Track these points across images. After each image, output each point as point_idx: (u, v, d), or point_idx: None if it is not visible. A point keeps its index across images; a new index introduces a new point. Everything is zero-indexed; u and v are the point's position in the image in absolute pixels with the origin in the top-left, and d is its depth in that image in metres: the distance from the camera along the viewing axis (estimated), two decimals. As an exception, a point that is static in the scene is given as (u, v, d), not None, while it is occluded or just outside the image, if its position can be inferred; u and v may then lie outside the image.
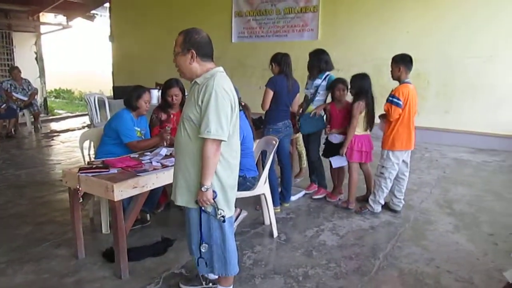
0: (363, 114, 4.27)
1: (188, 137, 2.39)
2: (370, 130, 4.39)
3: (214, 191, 2.39)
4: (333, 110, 4.52)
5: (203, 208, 2.42)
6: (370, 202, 4.31)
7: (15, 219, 4.21)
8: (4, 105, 8.48)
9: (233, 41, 9.41)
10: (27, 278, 3.10)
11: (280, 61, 4.27)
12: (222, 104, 2.27)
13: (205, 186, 2.33)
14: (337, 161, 4.45)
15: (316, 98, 4.61)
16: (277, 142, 3.76)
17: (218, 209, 2.42)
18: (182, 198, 2.48)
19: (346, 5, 8.22)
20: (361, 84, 4.24)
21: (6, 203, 4.68)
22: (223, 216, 2.44)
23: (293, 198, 4.65)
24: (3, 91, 8.65)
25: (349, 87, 4.38)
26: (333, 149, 4.46)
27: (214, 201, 2.39)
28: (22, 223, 4.09)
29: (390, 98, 4.03)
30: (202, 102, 2.29)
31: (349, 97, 4.47)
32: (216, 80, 2.31)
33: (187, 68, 2.41)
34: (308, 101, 4.67)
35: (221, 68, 2.45)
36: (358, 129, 4.29)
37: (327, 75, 4.60)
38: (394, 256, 3.44)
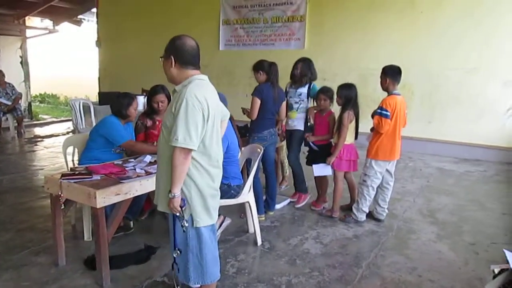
0: (352, 123, 4.30)
1: (166, 144, 2.37)
2: (356, 139, 4.43)
3: (183, 199, 2.37)
4: (317, 118, 4.56)
5: (176, 215, 2.42)
6: (354, 210, 4.34)
7: (-5, 225, 4.13)
8: (-13, 109, 8.36)
9: (220, 48, 9.42)
10: (6, 286, 3.04)
11: (269, 69, 4.29)
12: (192, 113, 2.25)
13: (172, 193, 2.32)
14: (320, 170, 4.46)
15: (301, 105, 4.65)
16: (262, 150, 3.77)
17: (182, 219, 2.41)
18: (161, 204, 2.48)
19: (332, 15, 8.31)
20: (348, 94, 4.27)
21: (-14, 209, 4.60)
22: (185, 226, 2.43)
23: (277, 206, 4.66)
24: (-14, 95, 8.53)
25: (335, 96, 4.42)
26: (316, 157, 4.48)
27: (182, 209, 2.37)
28: (2, 230, 4.02)
29: (379, 111, 4.05)
30: (175, 109, 2.30)
31: (334, 107, 4.51)
32: (189, 88, 2.30)
33: (168, 73, 2.45)
34: (290, 107, 4.70)
35: (201, 76, 2.44)
36: (348, 138, 4.32)
37: (310, 83, 4.66)
38: (377, 265, 3.46)
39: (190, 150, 2.28)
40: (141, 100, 6.47)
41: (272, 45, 8.82)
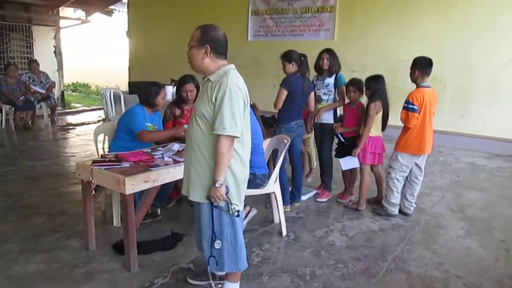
0: (379, 115, 4.24)
1: (202, 133, 2.41)
2: (383, 131, 4.36)
3: (226, 187, 2.40)
4: (346, 110, 4.51)
5: (214, 204, 2.44)
6: (384, 203, 4.29)
7: (29, 209, 4.28)
8: (23, 97, 8.63)
9: (249, 39, 9.42)
10: (38, 268, 3.16)
11: (300, 61, 4.25)
12: (236, 101, 2.31)
13: (219, 182, 2.35)
14: (348, 163, 4.42)
15: (330, 97, 4.61)
16: (289, 141, 3.77)
17: (231, 204, 2.44)
18: (194, 194, 2.50)
19: (363, 6, 8.16)
20: (375, 85, 4.21)
21: (21, 193, 4.76)
22: (237, 211, 2.47)
23: (303, 197, 4.65)
24: (22, 84, 8.80)
25: (363, 88, 4.36)
26: (345, 150, 4.45)
27: (227, 196, 2.41)
28: (35, 214, 4.16)
29: (405, 105, 3.99)
30: (216, 99, 2.32)
31: (364, 99, 4.45)
32: (230, 78, 2.34)
33: (198, 62, 2.44)
34: (319, 100, 4.66)
35: (233, 66, 2.47)
36: (373, 130, 4.26)
37: (337, 73, 4.61)
38: (403, 259, 3.42)
39: (234, 137, 2.32)
40: (170, 90, 6.56)
41: (301, 36, 8.75)
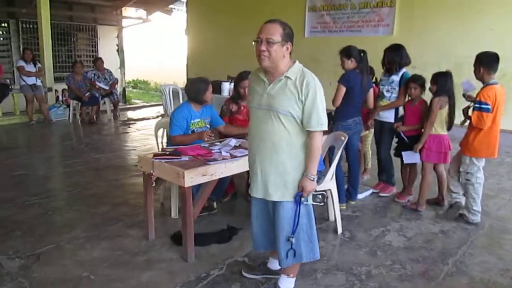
0: (444, 111, 4.06)
1: (287, 132, 2.40)
2: (449, 130, 4.18)
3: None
4: (408, 107, 4.37)
5: (302, 199, 2.47)
6: (465, 212, 4.05)
7: (94, 199, 4.52)
8: (88, 93, 9.10)
9: (305, 35, 9.36)
10: (102, 254, 3.33)
11: (359, 57, 4.17)
12: (323, 99, 2.39)
13: (313, 176, 2.42)
14: (410, 157, 4.29)
15: (393, 95, 4.48)
16: (346, 139, 3.71)
17: (317, 193, 2.53)
18: (276, 193, 2.49)
19: (424, 1, 7.85)
20: (442, 81, 4.04)
21: (87, 184, 5.04)
22: (322, 195, 2.55)
23: (360, 196, 4.57)
24: (87, 80, 9.28)
25: (426, 84, 4.20)
26: (406, 148, 4.32)
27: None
28: (99, 203, 4.39)
29: (478, 105, 3.72)
30: (305, 98, 2.34)
31: (427, 96, 4.28)
32: (311, 75, 2.39)
33: (278, 59, 2.36)
34: (381, 96, 4.56)
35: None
36: (439, 128, 4.09)
37: (404, 72, 4.45)
38: (464, 263, 3.27)
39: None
40: (227, 86, 6.66)
41: (359, 31, 8.57)
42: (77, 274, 3.01)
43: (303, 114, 2.37)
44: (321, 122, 2.36)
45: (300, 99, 2.35)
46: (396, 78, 4.44)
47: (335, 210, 3.76)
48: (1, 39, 10.95)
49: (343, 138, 3.72)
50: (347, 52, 4.18)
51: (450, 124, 4.12)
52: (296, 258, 2.62)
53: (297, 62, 2.44)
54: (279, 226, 2.55)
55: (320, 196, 2.55)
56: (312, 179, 2.42)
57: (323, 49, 8.86)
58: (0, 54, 10.46)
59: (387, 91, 4.51)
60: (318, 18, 9.17)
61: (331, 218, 3.94)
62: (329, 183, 3.68)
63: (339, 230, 3.75)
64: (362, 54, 4.19)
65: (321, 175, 3.60)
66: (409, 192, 4.57)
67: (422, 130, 4.19)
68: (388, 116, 4.52)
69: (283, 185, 2.47)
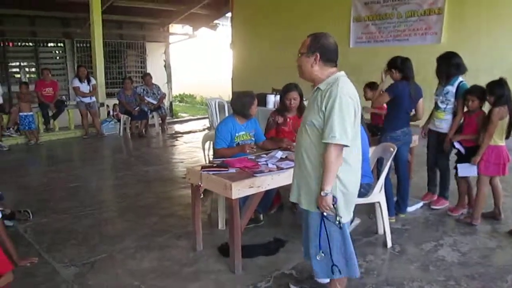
0: (504, 122, 3.88)
1: (311, 142, 2.42)
2: (507, 139, 3.99)
3: (334, 197, 2.38)
4: (465, 118, 4.21)
5: (325, 214, 2.43)
6: None
7: (143, 210, 4.64)
8: (138, 107, 9.42)
9: (350, 46, 9.29)
10: (152, 264, 3.41)
11: (402, 66, 4.09)
12: (346, 110, 2.29)
13: (325, 191, 2.34)
14: (466, 170, 4.11)
15: (448, 106, 4.32)
16: (395, 150, 3.62)
17: (337, 215, 2.41)
18: (305, 201, 2.52)
19: (474, 6, 7.60)
20: (500, 91, 3.87)
21: (136, 195, 5.19)
22: (339, 222, 2.43)
23: (410, 209, 4.43)
24: (137, 95, 9.62)
25: (484, 96, 4.04)
26: (461, 161, 4.16)
27: (334, 206, 2.38)
28: (149, 214, 4.50)
29: None
30: (325, 108, 2.32)
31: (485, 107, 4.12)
32: (340, 86, 2.32)
33: (307, 70, 2.45)
34: (435, 107, 4.43)
35: (343, 73, 2.45)
36: (498, 139, 3.91)
37: (460, 81, 4.28)
38: (526, 281, 3.09)
39: (343, 146, 2.30)
40: (272, 99, 6.70)
41: (406, 40, 8.40)
42: (129, 283, 3.09)
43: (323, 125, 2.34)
44: (333, 134, 2.26)
45: (321, 109, 2.33)
46: (451, 88, 4.28)
47: (384, 223, 3.66)
48: (58, 58, 11.59)
49: (392, 149, 3.64)
50: (389, 64, 4.16)
51: (508, 134, 3.94)
52: (328, 274, 2.60)
53: (338, 73, 2.43)
54: (308, 235, 2.60)
55: (339, 221, 2.41)
56: (322, 194, 2.34)
57: (368, 59, 8.74)
58: (57, 72, 11.06)
59: (442, 102, 4.36)
60: (363, 28, 9.09)
61: (380, 231, 3.84)
62: (378, 196, 3.60)
63: (389, 244, 3.65)
64: (403, 62, 4.10)
65: (369, 188, 3.54)
66: (462, 205, 4.37)
67: (480, 142, 4.01)
68: (445, 127, 4.36)
69: (309, 193, 2.47)
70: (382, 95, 4.12)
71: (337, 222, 2.42)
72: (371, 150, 3.93)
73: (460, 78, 4.29)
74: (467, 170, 4.12)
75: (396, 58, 4.17)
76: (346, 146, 2.31)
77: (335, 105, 2.27)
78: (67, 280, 3.14)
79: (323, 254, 2.51)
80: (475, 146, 4.07)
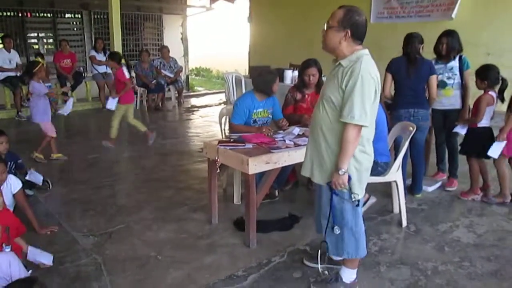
0: None
1: (328, 118, 2.40)
2: None
3: (349, 175, 2.37)
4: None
5: (335, 191, 2.42)
6: None
7: (160, 182, 4.70)
8: (154, 81, 9.42)
9: (371, 21, 9.06)
10: (168, 235, 3.47)
11: (404, 41, 4.06)
12: (368, 90, 2.25)
13: (342, 170, 2.33)
14: (496, 151, 3.92)
15: (456, 81, 4.25)
16: (414, 129, 3.58)
17: (352, 193, 2.41)
18: (317, 176, 2.53)
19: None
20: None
21: (153, 167, 5.25)
22: (358, 200, 2.43)
23: (430, 188, 4.40)
24: (154, 68, 9.60)
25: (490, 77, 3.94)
26: (477, 143, 4.05)
27: (349, 184, 2.38)
28: (165, 187, 4.56)
29: None
30: (346, 86, 2.28)
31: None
32: (363, 65, 2.27)
33: (334, 44, 2.37)
34: (442, 85, 4.30)
35: (367, 51, 2.38)
36: None
37: (462, 56, 4.25)
38: (542, 264, 3.07)
39: (361, 127, 2.28)
40: (289, 74, 6.63)
41: (428, 16, 8.15)
42: (145, 254, 3.16)
43: (342, 103, 2.31)
44: (352, 114, 2.23)
45: (341, 86, 2.29)
46: (455, 64, 4.25)
47: (400, 202, 3.64)
48: (75, 29, 11.56)
49: (411, 128, 3.59)
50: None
51: None
52: (338, 252, 2.62)
53: (361, 51, 2.36)
54: (320, 208, 2.61)
55: (356, 199, 2.42)
56: (340, 173, 2.32)
57: (389, 35, 8.50)
58: (74, 44, 11.05)
59: (448, 78, 4.28)
60: (385, 4, 8.83)
61: (396, 210, 3.83)
62: (395, 175, 3.58)
63: (404, 223, 3.64)
64: (406, 37, 4.05)
65: (386, 167, 3.52)
66: (475, 191, 4.22)
67: (484, 125, 3.94)
68: (454, 103, 4.30)
69: (322, 169, 2.47)
70: (384, 77, 4.02)
71: (353, 200, 2.42)
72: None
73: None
74: (496, 151, 3.96)
75: (407, 34, 4.12)
76: (365, 126, 2.28)
77: (357, 84, 2.23)
78: (86, 249, 3.23)
79: (338, 227, 2.51)
80: (475, 128, 4.03)
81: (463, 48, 4.31)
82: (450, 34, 4.25)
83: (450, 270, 2.98)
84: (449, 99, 4.33)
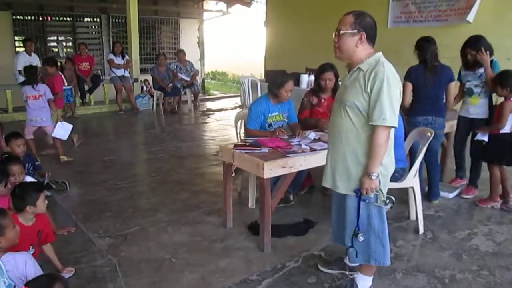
0: None
1: (352, 125, 2.36)
2: None
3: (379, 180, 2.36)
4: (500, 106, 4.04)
5: (363, 196, 2.39)
6: None
7: (176, 185, 4.72)
8: (171, 84, 9.50)
9: (388, 26, 9.00)
10: (183, 238, 3.48)
11: (420, 47, 3.98)
12: (394, 91, 2.24)
13: (375, 174, 2.30)
14: None
15: (484, 89, 4.12)
16: (432, 135, 3.53)
17: (384, 196, 2.38)
18: (342, 185, 2.47)
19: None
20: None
21: (169, 170, 5.28)
22: (389, 199, 2.40)
23: (451, 195, 4.34)
24: (170, 72, 9.68)
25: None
26: (500, 150, 3.96)
27: (380, 188, 2.36)
28: (180, 190, 4.58)
29: None
30: (371, 89, 2.25)
31: None
32: (386, 67, 2.27)
33: (350, 49, 2.35)
34: (468, 93, 4.23)
35: (381, 54, 2.37)
36: None
37: (491, 60, 4.08)
38: None
39: (391, 128, 2.27)
40: (305, 79, 6.61)
41: (446, 20, 8.07)
42: (160, 256, 3.18)
43: (369, 107, 2.28)
44: (383, 116, 2.20)
45: (366, 90, 2.27)
46: (482, 70, 4.09)
47: (417, 208, 3.59)
48: (94, 33, 11.76)
49: (428, 134, 3.55)
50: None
51: None
52: (365, 259, 2.56)
53: (377, 54, 2.35)
54: (346, 220, 2.54)
55: (388, 200, 2.39)
56: (372, 177, 2.30)
57: (406, 39, 8.37)
58: (92, 47, 11.23)
59: (476, 86, 4.17)
60: (402, 8, 8.77)
61: (412, 216, 3.78)
62: (412, 180, 3.54)
63: (421, 230, 3.59)
64: (422, 43, 3.97)
65: (403, 172, 3.48)
66: (494, 199, 4.12)
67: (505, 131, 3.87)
68: (480, 112, 4.19)
69: (347, 178, 2.43)
70: (404, 86, 3.89)
71: (387, 203, 2.39)
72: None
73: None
74: None
75: (420, 38, 4.05)
76: (394, 127, 2.29)
77: (384, 86, 2.21)
78: (102, 250, 3.26)
79: (363, 233, 2.46)
80: (497, 134, 3.94)
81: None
82: (477, 40, 4.07)
83: (468, 278, 2.92)
84: (475, 108, 4.21)
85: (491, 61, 4.09)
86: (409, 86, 3.99)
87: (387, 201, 2.39)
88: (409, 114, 4.09)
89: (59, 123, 5.43)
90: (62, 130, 5.40)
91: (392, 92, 2.23)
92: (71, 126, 5.57)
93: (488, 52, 4.00)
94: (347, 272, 2.89)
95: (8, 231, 2.24)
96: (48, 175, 4.30)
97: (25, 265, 2.21)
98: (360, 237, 2.45)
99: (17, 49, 10.14)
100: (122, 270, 2.98)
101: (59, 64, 7.15)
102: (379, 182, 2.34)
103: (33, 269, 2.25)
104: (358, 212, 2.43)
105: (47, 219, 2.92)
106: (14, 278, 2.17)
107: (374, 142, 2.26)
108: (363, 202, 2.41)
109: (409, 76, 3.99)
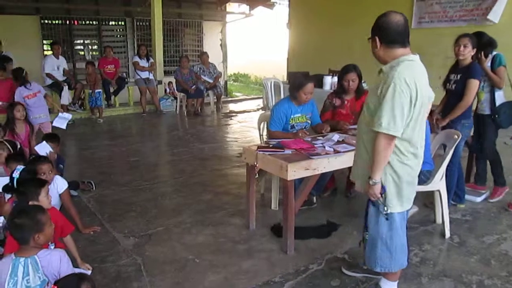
0: None
1: (366, 126, 2.36)
2: None
3: (383, 186, 2.31)
4: None
5: (371, 200, 2.39)
6: None
7: (199, 186, 4.76)
8: (194, 86, 9.57)
9: (412, 27, 8.87)
10: (206, 239, 3.50)
11: (477, 44, 3.80)
12: (399, 98, 2.14)
13: (373, 180, 2.28)
14: None
15: (486, 83, 4.00)
16: (459, 138, 3.46)
17: (385, 206, 2.35)
18: (357, 183, 2.51)
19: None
20: None
21: (193, 172, 5.32)
22: (386, 214, 2.36)
23: (479, 199, 4.24)
24: (193, 74, 9.76)
25: None
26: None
27: (382, 196, 2.32)
28: (204, 191, 4.61)
29: None
30: (381, 92, 2.22)
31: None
32: (398, 71, 2.17)
33: (375, 54, 2.35)
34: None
35: (411, 56, 2.27)
36: None
37: (495, 54, 3.97)
38: None
39: (394, 136, 2.19)
40: (328, 80, 6.57)
41: (474, 20, 7.90)
42: (184, 256, 3.20)
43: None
44: (379, 121, 2.14)
45: (377, 93, 2.24)
46: (488, 64, 3.98)
47: (444, 212, 3.52)
48: (119, 36, 11.94)
49: (456, 136, 3.48)
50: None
51: None
52: (370, 263, 2.56)
53: (405, 56, 2.26)
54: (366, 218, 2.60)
55: (385, 212, 2.35)
56: (370, 183, 2.27)
57: (431, 40, 8.30)
58: (118, 50, 11.40)
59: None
60: (426, 8, 8.63)
61: (438, 220, 3.71)
62: (438, 184, 3.47)
63: (447, 234, 3.52)
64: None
65: (429, 175, 3.42)
66: None
67: None
68: (485, 108, 4.07)
69: (361, 177, 2.45)
70: (474, 85, 3.74)
71: (385, 212, 2.35)
72: (432, 136, 3.78)
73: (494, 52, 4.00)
74: None
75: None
76: (395, 136, 2.18)
77: (389, 91, 2.15)
78: (127, 250, 3.30)
79: (369, 234, 2.49)
80: None
81: (498, 46, 3.99)
82: (483, 35, 3.97)
83: (497, 284, 2.85)
84: (481, 104, 4.12)
85: (495, 55, 3.97)
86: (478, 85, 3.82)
87: (385, 215, 2.36)
88: (465, 115, 3.87)
89: (59, 114, 5.58)
90: (62, 120, 5.51)
91: (396, 99, 2.13)
92: (70, 115, 5.69)
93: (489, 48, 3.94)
94: (371, 276, 2.85)
95: (47, 228, 2.30)
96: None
97: (59, 261, 2.25)
98: (366, 236, 2.51)
99: (45, 52, 10.38)
100: (146, 270, 3.02)
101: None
102: (384, 190, 2.30)
103: (66, 266, 2.29)
104: (366, 212, 2.48)
105: (56, 212, 2.95)
106: (48, 274, 2.21)
107: (374, 147, 2.24)
108: (372, 206, 2.42)
109: (480, 74, 3.81)
